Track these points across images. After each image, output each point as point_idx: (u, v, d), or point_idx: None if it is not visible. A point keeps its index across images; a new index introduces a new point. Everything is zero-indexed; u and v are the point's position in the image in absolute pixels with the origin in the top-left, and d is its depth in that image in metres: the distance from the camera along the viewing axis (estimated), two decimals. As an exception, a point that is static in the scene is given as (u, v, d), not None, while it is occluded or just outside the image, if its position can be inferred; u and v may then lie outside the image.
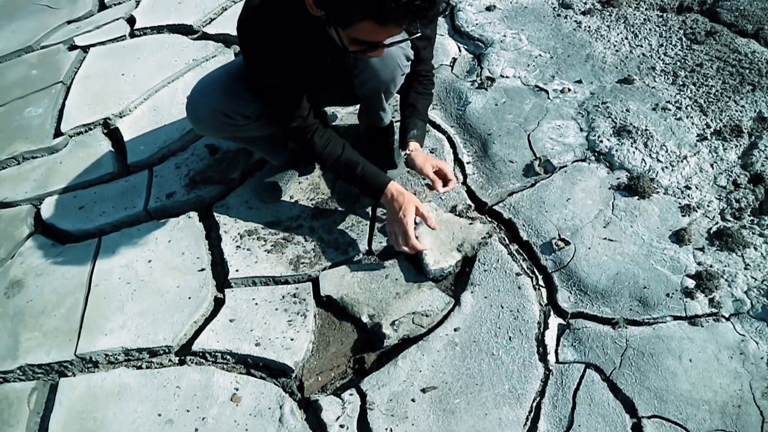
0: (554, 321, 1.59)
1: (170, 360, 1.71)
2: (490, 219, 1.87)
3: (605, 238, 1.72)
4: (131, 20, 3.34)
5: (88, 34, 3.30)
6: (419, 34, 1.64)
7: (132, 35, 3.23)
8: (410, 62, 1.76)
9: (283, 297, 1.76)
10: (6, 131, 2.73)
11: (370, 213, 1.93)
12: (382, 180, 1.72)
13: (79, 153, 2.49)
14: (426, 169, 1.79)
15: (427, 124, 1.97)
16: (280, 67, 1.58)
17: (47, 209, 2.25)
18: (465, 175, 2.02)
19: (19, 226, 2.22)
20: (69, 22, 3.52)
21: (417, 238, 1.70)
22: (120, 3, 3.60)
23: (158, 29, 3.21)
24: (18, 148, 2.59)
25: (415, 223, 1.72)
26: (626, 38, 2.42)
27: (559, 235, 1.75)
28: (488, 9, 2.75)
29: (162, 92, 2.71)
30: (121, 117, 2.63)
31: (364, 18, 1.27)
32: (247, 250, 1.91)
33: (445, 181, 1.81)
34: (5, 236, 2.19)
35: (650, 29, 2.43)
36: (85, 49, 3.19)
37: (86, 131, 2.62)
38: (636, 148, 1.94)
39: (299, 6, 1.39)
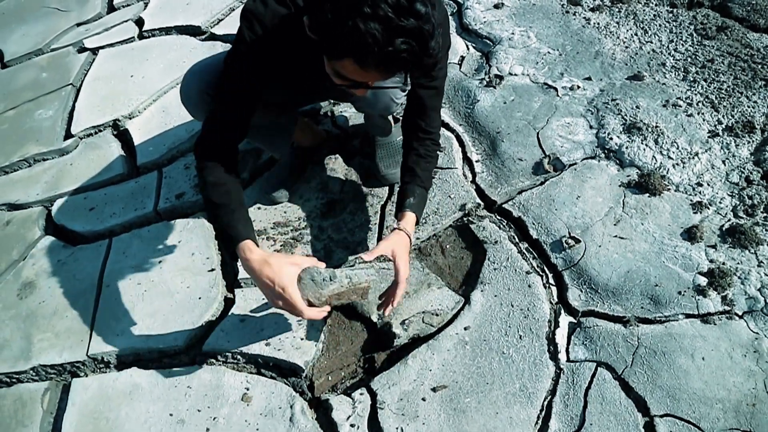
0: (565, 319, 1.58)
1: (181, 360, 1.72)
2: (499, 217, 1.87)
3: (616, 236, 1.71)
4: (140, 22, 3.36)
5: (97, 37, 3.33)
6: (407, 89, 1.58)
7: (140, 37, 3.25)
8: (406, 93, 1.69)
9: (293, 297, 1.76)
10: (17, 134, 2.75)
11: (380, 212, 1.93)
12: (240, 232, 1.46)
13: (89, 155, 2.51)
14: (382, 245, 1.54)
15: (428, 192, 1.72)
16: (251, 72, 1.49)
17: (58, 211, 2.27)
18: (474, 174, 2.02)
19: (30, 228, 2.24)
20: (78, 25, 3.56)
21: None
22: (128, 5, 3.63)
23: (166, 30, 3.23)
24: (29, 151, 2.61)
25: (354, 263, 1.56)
26: (636, 34, 2.40)
27: (570, 233, 1.74)
28: (496, 6, 2.74)
29: (170, 93, 2.73)
30: (130, 118, 2.64)
31: (346, 56, 1.19)
32: (257, 250, 1.92)
33: (389, 294, 1.56)
34: (17, 238, 2.21)
35: (660, 25, 2.41)
36: (95, 51, 3.22)
37: (96, 133, 2.64)
38: (646, 145, 1.93)
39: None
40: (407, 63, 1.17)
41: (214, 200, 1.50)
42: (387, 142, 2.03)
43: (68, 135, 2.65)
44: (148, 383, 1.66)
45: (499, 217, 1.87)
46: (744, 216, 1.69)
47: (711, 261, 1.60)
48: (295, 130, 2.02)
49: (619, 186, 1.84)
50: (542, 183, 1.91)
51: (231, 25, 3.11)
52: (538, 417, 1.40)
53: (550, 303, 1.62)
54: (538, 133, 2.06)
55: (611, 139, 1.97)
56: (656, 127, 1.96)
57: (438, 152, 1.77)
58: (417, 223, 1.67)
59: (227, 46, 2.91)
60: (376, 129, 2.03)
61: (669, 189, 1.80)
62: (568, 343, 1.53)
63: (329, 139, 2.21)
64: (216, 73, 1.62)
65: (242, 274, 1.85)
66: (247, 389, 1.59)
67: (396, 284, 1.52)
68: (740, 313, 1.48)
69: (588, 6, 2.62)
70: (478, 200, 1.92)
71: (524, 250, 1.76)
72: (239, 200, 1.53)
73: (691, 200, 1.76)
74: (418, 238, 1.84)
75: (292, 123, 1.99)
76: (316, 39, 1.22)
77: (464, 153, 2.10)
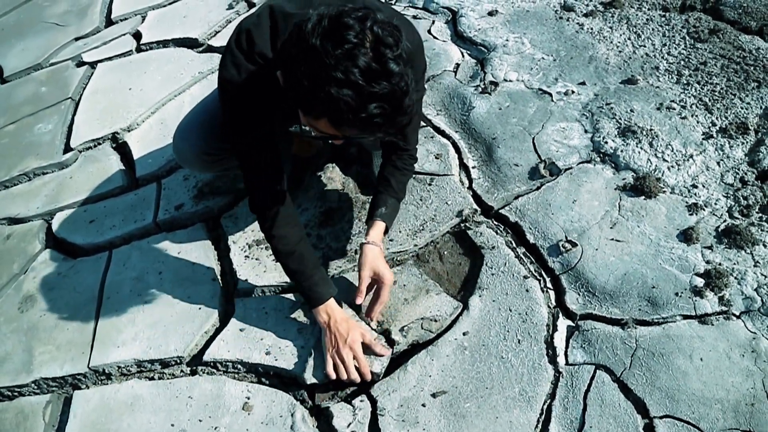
0: (563, 323, 1.59)
1: (182, 370, 1.72)
2: (496, 223, 1.88)
3: (612, 239, 1.72)
4: (137, 35, 3.39)
5: (95, 50, 3.35)
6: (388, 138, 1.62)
7: (138, 50, 3.27)
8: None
9: (293, 305, 1.77)
10: (17, 148, 2.77)
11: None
12: (324, 294, 1.59)
13: (88, 168, 2.53)
14: (363, 272, 1.62)
15: (401, 203, 1.78)
16: (248, 128, 1.53)
17: (58, 224, 2.28)
18: (470, 180, 2.03)
19: (31, 242, 2.25)
20: (77, 39, 3.58)
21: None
22: (126, 19, 3.65)
23: (164, 43, 3.25)
24: (29, 165, 2.63)
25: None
26: (629, 39, 2.42)
27: (566, 237, 1.75)
28: (490, 14, 2.76)
29: (169, 105, 2.74)
30: (129, 131, 2.66)
31: (321, 116, 1.18)
32: (256, 259, 1.93)
33: (376, 296, 1.64)
34: (18, 251, 2.22)
35: (653, 29, 2.43)
36: (93, 65, 3.24)
37: (95, 146, 2.65)
38: (641, 148, 1.94)
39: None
40: (382, 125, 1.17)
41: (291, 268, 1.61)
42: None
43: (68, 148, 2.67)
44: (150, 394, 1.66)
45: (496, 223, 1.88)
46: (739, 216, 1.70)
47: (707, 262, 1.60)
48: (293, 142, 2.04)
49: (615, 189, 1.85)
50: (538, 188, 1.92)
51: (227, 37, 3.12)
52: (538, 421, 1.40)
53: (548, 307, 1.62)
54: (533, 139, 2.08)
55: (606, 142, 1.99)
56: (651, 130, 1.98)
57: (414, 165, 1.81)
58: (386, 232, 1.74)
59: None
60: (367, 145, 2.06)
61: (664, 191, 1.81)
62: (567, 347, 1.53)
63: (326, 148, 2.22)
64: (208, 130, 1.69)
65: (242, 284, 1.86)
66: (248, 398, 1.59)
67: (383, 286, 1.62)
68: (737, 314, 1.49)
69: (581, 11, 2.64)
70: (475, 206, 1.93)
71: (521, 255, 1.77)
72: (313, 262, 1.62)
73: (686, 202, 1.77)
74: (415, 245, 1.85)
75: (291, 136, 2.01)
76: (291, 97, 1.22)
77: (460, 159, 2.11)
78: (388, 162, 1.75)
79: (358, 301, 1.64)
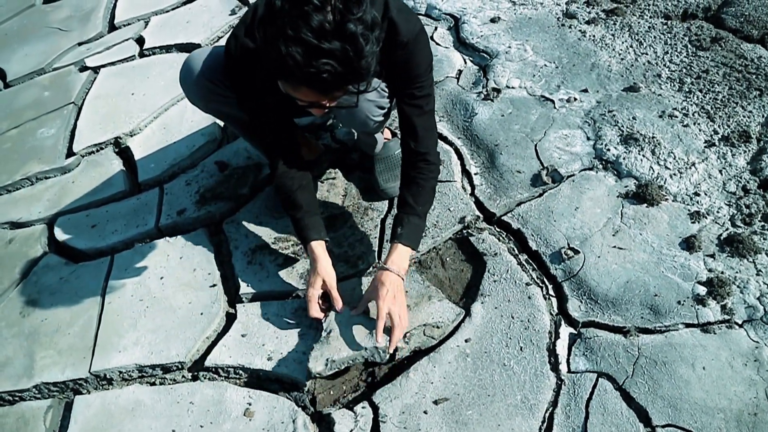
0: (565, 330, 1.59)
1: (183, 376, 1.72)
2: (498, 230, 1.88)
3: (614, 247, 1.72)
4: (140, 40, 3.40)
5: (98, 55, 3.36)
6: (386, 106, 1.69)
7: (141, 55, 3.28)
8: (385, 111, 1.72)
9: (295, 311, 1.77)
10: (20, 152, 2.78)
11: (380, 225, 1.94)
12: (308, 234, 1.67)
13: (91, 172, 2.53)
14: (381, 305, 1.55)
15: (424, 217, 1.71)
16: (249, 96, 1.63)
17: (60, 228, 2.29)
18: (473, 186, 2.03)
19: (33, 246, 2.25)
20: (80, 44, 3.59)
21: (327, 307, 1.67)
22: (129, 24, 3.66)
23: (167, 49, 3.26)
24: (31, 169, 2.63)
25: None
26: (631, 46, 2.43)
27: (568, 245, 1.75)
28: (493, 21, 2.77)
29: (171, 110, 2.75)
30: (131, 136, 2.67)
31: (278, 75, 1.24)
32: (258, 265, 1.93)
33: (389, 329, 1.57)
34: (20, 256, 2.23)
35: (655, 37, 2.44)
36: (96, 70, 3.24)
37: (98, 151, 2.66)
38: (643, 155, 1.94)
39: None
40: (331, 82, 1.20)
41: (285, 206, 1.72)
42: (386, 156, 2.04)
43: (70, 153, 2.67)
44: (151, 399, 1.66)
45: (499, 229, 1.88)
46: (742, 225, 1.70)
47: (710, 270, 1.60)
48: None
49: (617, 197, 1.85)
50: (541, 195, 1.92)
51: (231, 43, 3.14)
52: (540, 428, 1.40)
53: (551, 314, 1.62)
54: (535, 146, 2.08)
55: (608, 150, 1.99)
56: (653, 137, 1.98)
57: (435, 172, 1.71)
58: (415, 249, 1.68)
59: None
60: (364, 146, 2.09)
61: (667, 199, 1.81)
62: (569, 354, 1.53)
63: (328, 153, 2.22)
64: (214, 58, 1.72)
65: (243, 289, 1.86)
66: (250, 404, 1.59)
67: (394, 329, 1.54)
68: (740, 322, 1.49)
69: (583, 19, 2.65)
70: (478, 213, 1.94)
71: (524, 262, 1.77)
72: (307, 204, 1.70)
73: (688, 210, 1.77)
74: (418, 251, 1.85)
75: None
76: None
77: (463, 166, 2.11)
78: (405, 176, 1.70)
79: (379, 339, 1.55)
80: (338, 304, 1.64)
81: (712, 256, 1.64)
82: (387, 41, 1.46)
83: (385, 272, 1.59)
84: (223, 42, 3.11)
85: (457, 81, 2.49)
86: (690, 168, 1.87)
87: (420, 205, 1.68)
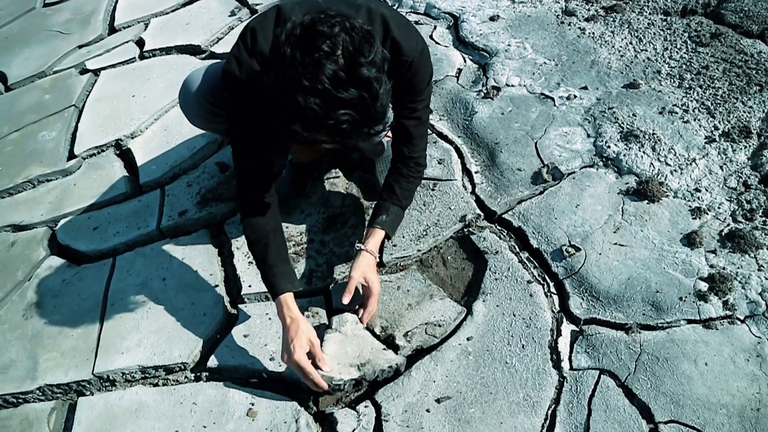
0: (567, 328, 1.59)
1: (186, 377, 1.73)
2: (499, 228, 1.88)
3: (616, 244, 1.72)
4: (140, 43, 3.40)
5: (98, 58, 3.37)
6: (389, 124, 1.65)
7: (141, 57, 3.28)
8: (389, 124, 1.69)
9: (296, 311, 1.77)
10: (21, 156, 2.78)
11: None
12: (279, 283, 1.58)
13: (92, 174, 2.54)
14: (354, 273, 1.63)
15: (405, 210, 1.78)
16: (242, 120, 1.56)
17: (62, 231, 2.29)
18: (473, 185, 2.03)
19: (35, 249, 2.25)
20: (80, 47, 3.60)
21: (321, 344, 1.58)
22: (129, 26, 3.67)
23: (167, 50, 3.26)
24: (33, 172, 2.64)
25: (327, 326, 1.65)
26: (631, 43, 2.43)
27: (570, 242, 1.75)
28: (492, 19, 2.77)
29: (172, 112, 2.75)
30: (132, 138, 2.67)
31: (294, 122, 1.23)
32: (260, 265, 1.93)
33: (363, 304, 1.65)
34: (22, 259, 2.23)
35: (654, 33, 2.43)
36: (96, 72, 3.25)
37: (99, 153, 2.66)
38: (644, 152, 1.94)
39: None
40: (351, 131, 1.20)
41: (256, 257, 1.64)
42: (386, 156, 2.04)
43: (71, 156, 2.68)
44: (154, 400, 1.66)
45: (500, 228, 1.88)
46: (743, 220, 1.70)
47: (711, 266, 1.60)
48: (292, 146, 2.04)
49: (618, 193, 1.85)
50: (541, 192, 1.92)
51: (230, 44, 3.09)
52: (543, 426, 1.40)
53: (552, 312, 1.62)
54: (536, 143, 2.08)
55: (609, 147, 1.99)
56: (653, 134, 1.98)
57: (422, 172, 1.79)
58: (389, 239, 1.75)
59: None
60: (368, 152, 2.09)
61: (667, 195, 1.81)
62: (571, 351, 1.53)
63: (328, 153, 2.22)
64: (213, 79, 1.70)
65: (246, 290, 1.86)
66: (252, 404, 1.59)
67: (370, 296, 1.63)
68: (742, 318, 1.49)
69: (583, 16, 2.65)
70: (478, 211, 1.94)
71: (525, 260, 1.77)
72: (277, 254, 1.62)
73: (689, 206, 1.77)
74: (419, 250, 1.86)
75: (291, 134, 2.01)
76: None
77: (463, 164, 2.11)
78: (394, 169, 1.75)
79: (345, 300, 1.62)
80: (326, 365, 1.53)
81: (714, 251, 1.64)
82: (391, 62, 1.45)
83: (364, 252, 1.67)
84: (222, 42, 3.16)
85: (457, 80, 2.49)
86: (691, 164, 1.87)
87: (404, 199, 1.75)
